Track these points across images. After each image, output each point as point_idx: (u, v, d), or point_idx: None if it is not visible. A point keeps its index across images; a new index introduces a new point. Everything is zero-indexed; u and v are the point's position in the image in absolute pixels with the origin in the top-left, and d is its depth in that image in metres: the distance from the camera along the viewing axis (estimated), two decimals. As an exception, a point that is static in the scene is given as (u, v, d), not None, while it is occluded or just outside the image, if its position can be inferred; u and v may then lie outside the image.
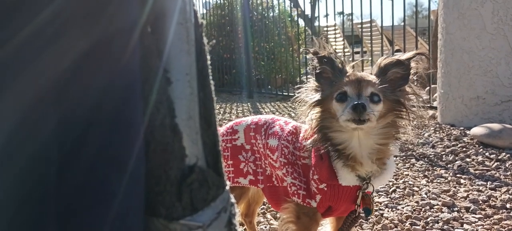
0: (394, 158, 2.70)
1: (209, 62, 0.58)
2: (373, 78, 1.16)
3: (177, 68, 0.53)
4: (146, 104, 0.51)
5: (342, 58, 1.22)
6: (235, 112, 5.19)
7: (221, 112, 5.19)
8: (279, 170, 1.29)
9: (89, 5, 0.44)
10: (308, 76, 1.27)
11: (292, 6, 8.64)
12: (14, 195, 0.41)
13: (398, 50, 7.31)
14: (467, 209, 1.94)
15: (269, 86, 7.35)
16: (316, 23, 8.92)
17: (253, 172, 1.38)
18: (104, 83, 0.47)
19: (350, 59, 5.72)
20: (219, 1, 8.17)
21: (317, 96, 1.20)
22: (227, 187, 0.56)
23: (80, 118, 0.45)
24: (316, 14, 8.27)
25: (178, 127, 0.51)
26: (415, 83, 1.21)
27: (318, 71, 1.21)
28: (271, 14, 8.22)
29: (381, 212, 1.94)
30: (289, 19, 8.02)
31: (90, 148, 0.45)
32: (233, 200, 0.56)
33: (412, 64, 1.19)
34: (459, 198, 2.08)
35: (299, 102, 1.25)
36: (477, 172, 2.46)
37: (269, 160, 1.34)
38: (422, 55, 1.22)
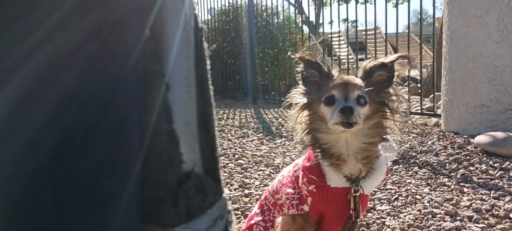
0: (396, 166, 2.70)
1: (208, 67, 0.58)
2: (359, 81, 1.19)
3: (176, 73, 0.52)
4: (143, 109, 0.51)
5: (329, 63, 1.24)
6: (238, 118, 5.19)
7: (225, 118, 5.19)
8: (285, 187, 1.31)
9: (89, 23, 0.44)
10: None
11: (296, 12, 8.65)
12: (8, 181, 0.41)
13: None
14: (470, 218, 1.92)
15: (273, 93, 7.34)
16: (321, 30, 8.93)
17: None
18: (107, 90, 0.46)
19: (355, 66, 5.70)
20: (224, 7, 8.19)
21: (305, 99, 1.23)
22: (225, 194, 0.55)
23: (82, 124, 0.44)
24: (321, 21, 8.26)
25: (176, 132, 0.51)
26: (398, 86, 1.24)
27: (305, 75, 1.24)
28: (276, 21, 8.23)
29: (383, 220, 1.93)
30: (294, 25, 8.02)
31: (91, 154, 0.45)
32: (230, 207, 0.56)
33: (396, 66, 1.22)
34: (462, 207, 2.06)
35: (289, 106, 1.29)
36: (480, 180, 2.44)
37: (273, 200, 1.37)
38: (405, 59, 1.24)
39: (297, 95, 1.27)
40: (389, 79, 1.22)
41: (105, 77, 0.47)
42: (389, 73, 1.22)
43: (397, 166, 2.75)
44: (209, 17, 8.26)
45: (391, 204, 2.12)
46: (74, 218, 0.45)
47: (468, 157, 2.86)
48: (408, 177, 2.55)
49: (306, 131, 1.22)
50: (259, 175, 2.66)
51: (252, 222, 1.41)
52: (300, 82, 1.27)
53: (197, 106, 0.54)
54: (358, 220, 1.27)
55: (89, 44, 0.45)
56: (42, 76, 0.42)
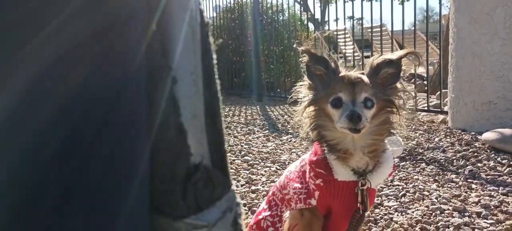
0: (403, 162, 2.69)
1: (215, 61, 0.58)
2: (366, 80, 1.18)
3: (183, 66, 0.52)
4: (151, 103, 0.51)
5: (335, 58, 1.23)
6: (244, 115, 5.19)
7: (230, 115, 5.19)
8: (292, 182, 1.31)
9: (97, 20, 0.45)
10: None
11: (302, 10, 8.63)
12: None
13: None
14: (478, 214, 1.91)
15: (279, 90, 7.34)
16: (326, 27, 8.91)
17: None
18: (116, 86, 0.47)
19: (360, 63, 5.68)
20: (229, 5, 8.19)
21: (311, 96, 1.23)
22: (233, 187, 0.55)
23: (91, 120, 0.45)
24: (326, 18, 8.23)
25: (183, 125, 0.51)
26: (405, 81, 1.24)
27: (310, 69, 1.24)
28: (281, 18, 8.22)
29: (390, 216, 1.92)
30: (299, 23, 8.01)
31: (100, 150, 0.45)
32: (239, 199, 0.56)
33: (403, 62, 1.22)
34: (470, 203, 2.05)
35: (294, 102, 1.28)
36: (488, 177, 2.42)
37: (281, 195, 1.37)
38: (413, 55, 1.23)
39: (303, 90, 1.26)
40: (395, 75, 1.21)
41: (113, 73, 0.47)
42: (396, 69, 1.21)
43: (404, 163, 2.74)
44: (215, 15, 8.27)
45: (398, 200, 2.12)
46: (83, 213, 0.45)
47: (475, 154, 2.85)
48: (415, 174, 2.54)
49: (312, 127, 1.22)
50: (265, 171, 2.66)
51: (260, 217, 1.41)
52: (305, 75, 1.26)
53: (204, 99, 0.54)
54: (365, 213, 1.27)
55: (97, 40, 0.45)
56: (50, 73, 0.42)
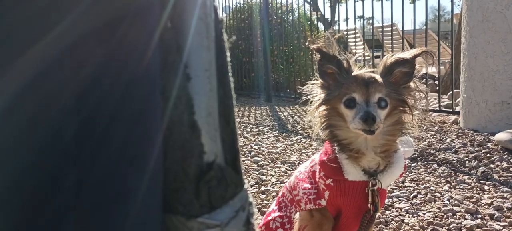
0: (415, 163, 2.66)
1: (229, 59, 0.58)
2: (379, 80, 1.17)
3: (197, 64, 0.52)
4: (165, 100, 0.51)
5: (348, 57, 1.22)
6: (253, 115, 5.18)
7: (240, 115, 5.19)
8: (302, 182, 1.30)
9: (109, 13, 0.44)
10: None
11: (311, 9, 8.61)
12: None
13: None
14: (491, 217, 1.88)
15: (288, 90, 7.33)
16: (336, 27, 8.86)
17: None
18: (127, 80, 0.46)
19: (370, 63, 5.65)
20: (238, 5, 8.19)
21: (323, 96, 1.22)
22: (246, 186, 0.55)
23: (103, 114, 0.44)
24: (336, 18, 8.20)
25: (197, 123, 0.51)
26: (419, 80, 1.23)
27: (322, 68, 1.22)
28: (291, 18, 8.20)
29: (401, 217, 1.90)
30: (309, 23, 7.99)
31: (112, 145, 0.45)
32: (251, 199, 0.55)
33: (417, 61, 1.20)
34: (482, 205, 2.02)
35: (305, 102, 1.27)
36: (501, 178, 2.39)
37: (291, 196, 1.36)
38: (427, 54, 1.22)
39: (315, 89, 1.25)
40: (409, 74, 1.20)
41: (125, 68, 0.46)
42: (410, 69, 1.20)
43: (415, 164, 2.71)
44: (224, 15, 8.28)
45: (409, 201, 2.10)
46: (94, 208, 0.45)
47: (488, 155, 2.81)
48: (426, 175, 2.51)
49: (324, 126, 1.21)
50: (275, 172, 2.65)
51: (269, 218, 1.40)
52: (317, 74, 1.25)
53: (218, 97, 0.54)
54: (376, 214, 1.25)
55: (109, 35, 0.45)
56: (62, 65, 0.42)
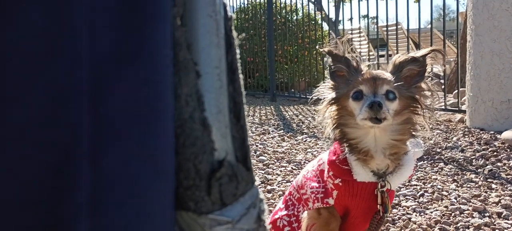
0: (421, 162, 2.65)
1: (238, 56, 0.57)
2: (388, 76, 1.17)
3: (207, 61, 0.52)
4: (175, 97, 0.51)
5: (357, 57, 1.23)
6: (258, 115, 5.18)
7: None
8: (309, 181, 1.30)
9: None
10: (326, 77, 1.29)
11: (316, 9, 8.60)
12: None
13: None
14: (499, 215, 1.87)
15: (293, 90, 7.32)
16: (340, 26, 8.86)
17: None
18: (141, 78, 0.46)
19: (375, 62, 5.64)
20: (243, 5, 8.19)
21: (333, 94, 1.22)
22: (256, 183, 0.55)
23: (116, 112, 0.44)
24: (340, 17, 8.19)
25: (208, 120, 0.51)
26: (430, 80, 1.22)
27: (333, 70, 1.23)
28: (295, 18, 8.19)
29: (408, 216, 1.90)
30: (313, 22, 7.97)
31: (124, 142, 0.45)
32: (262, 196, 0.55)
33: (428, 61, 1.20)
34: (490, 203, 2.01)
35: (316, 102, 1.28)
36: (509, 176, 2.38)
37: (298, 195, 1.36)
38: (438, 52, 1.22)
39: (325, 90, 1.26)
40: (420, 73, 1.20)
41: (137, 68, 0.47)
42: (421, 68, 1.19)
43: (422, 162, 2.70)
44: (228, 15, 8.27)
45: (416, 200, 2.09)
46: (108, 207, 0.45)
47: (495, 153, 2.80)
48: (433, 173, 2.50)
49: (334, 126, 1.21)
50: (281, 171, 2.65)
51: (276, 217, 1.40)
52: (328, 76, 1.26)
53: (228, 94, 0.54)
54: (386, 215, 1.25)
55: (121, 34, 0.45)
56: (81, 62, 0.42)
